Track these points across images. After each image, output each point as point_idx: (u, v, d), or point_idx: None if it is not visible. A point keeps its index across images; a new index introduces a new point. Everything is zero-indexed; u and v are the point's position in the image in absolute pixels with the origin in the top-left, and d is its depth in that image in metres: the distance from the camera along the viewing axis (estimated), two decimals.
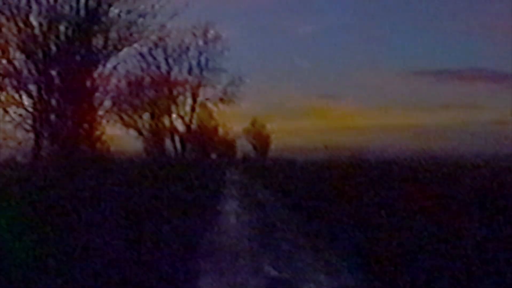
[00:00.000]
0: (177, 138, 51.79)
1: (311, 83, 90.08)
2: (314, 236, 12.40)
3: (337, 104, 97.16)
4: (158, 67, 48.36)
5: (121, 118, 42.75)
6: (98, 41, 22.80)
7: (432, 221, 11.72)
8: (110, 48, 23.38)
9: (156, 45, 47.68)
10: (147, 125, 47.46)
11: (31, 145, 20.06)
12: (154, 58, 47.72)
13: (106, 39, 23.05)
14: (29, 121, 20.42)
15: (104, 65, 23.53)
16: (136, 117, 45.95)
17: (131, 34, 24.02)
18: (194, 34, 48.89)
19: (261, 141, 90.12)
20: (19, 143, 19.72)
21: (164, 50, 48.24)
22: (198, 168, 41.31)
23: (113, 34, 23.01)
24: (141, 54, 46.21)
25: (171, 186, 21.43)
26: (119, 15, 23.13)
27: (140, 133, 47.00)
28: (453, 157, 60.10)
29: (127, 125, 45.32)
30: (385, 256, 9.30)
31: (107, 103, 26.32)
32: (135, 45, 27.23)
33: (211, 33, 49.36)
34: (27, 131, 20.15)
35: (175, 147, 51.77)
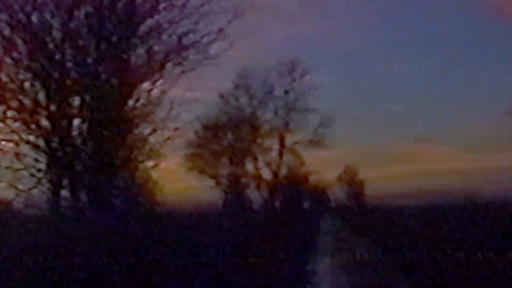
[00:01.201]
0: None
1: (404, 127, 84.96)
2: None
3: (432, 147, 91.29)
4: (241, 109, 45.51)
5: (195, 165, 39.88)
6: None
7: None
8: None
9: (237, 86, 45.07)
10: (226, 173, 43.81)
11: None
12: (236, 99, 44.89)
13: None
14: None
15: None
16: (213, 163, 42.57)
17: None
18: (280, 72, 46.04)
19: (355, 188, 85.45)
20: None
21: (247, 90, 45.54)
22: (289, 218, 38.04)
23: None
24: (221, 95, 43.45)
25: (259, 237, 19.85)
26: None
27: (218, 182, 43.44)
28: None
29: (202, 173, 42.32)
30: None
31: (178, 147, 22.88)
32: (215, 84, 22.71)
33: (298, 71, 46.32)
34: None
35: (261, 196, 47.82)
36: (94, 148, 15.75)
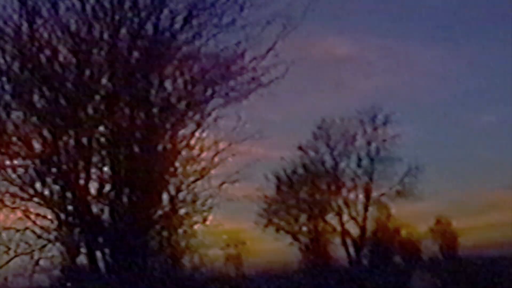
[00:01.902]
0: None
1: (495, 175, 79.88)
2: None
3: None
4: (322, 161, 43.58)
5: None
6: None
7: None
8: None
9: (316, 137, 43.26)
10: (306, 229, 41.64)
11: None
12: (316, 151, 42.99)
13: None
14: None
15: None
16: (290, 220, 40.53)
17: None
18: (361, 121, 44.03)
19: (447, 239, 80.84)
20: None
21: (327, 141, 43.57)
22: (379, 274, 35.61)
23: None
24: (300, 148, 41.81)
25: None
26: None
27: (296, 239, 41.24)
28: None
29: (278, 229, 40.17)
30: None
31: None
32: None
33: (380, 119, 44.10)
34: None
35: (348, 252, 45.14)
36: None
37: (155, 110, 15.38)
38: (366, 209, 44.93)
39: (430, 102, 51.16)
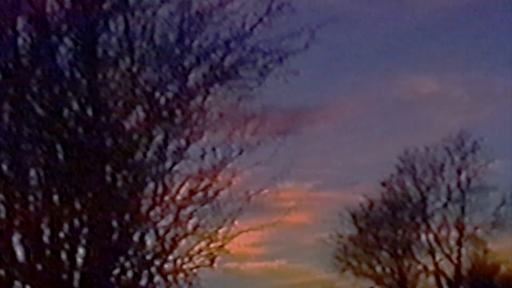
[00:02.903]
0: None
1: None
2: None
3: None
4: (408, 196, 40.20)
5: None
6: None
7: None
8: None
9: (400, 170, 40.02)
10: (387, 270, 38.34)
11: None
12: (401, 187, 39.72)
13: None
14: None
15: None
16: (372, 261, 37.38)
17: None
18: (447, 148, 40.20)
19: None
20: None
21: (413, 174, 40.20)
22: None
23: None
24: (383, 184, 38.77)
25: None
26: None
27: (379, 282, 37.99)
28: None
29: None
30: None
31: None
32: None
33: (468, 145, 40.29)
34: None
35: None
36: None
37: None
38: (459, 244, 40.96)
39: None
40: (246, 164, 15.25)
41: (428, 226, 40.67)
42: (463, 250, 41.17)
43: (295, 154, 15.74)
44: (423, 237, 40.70)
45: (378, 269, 38.83)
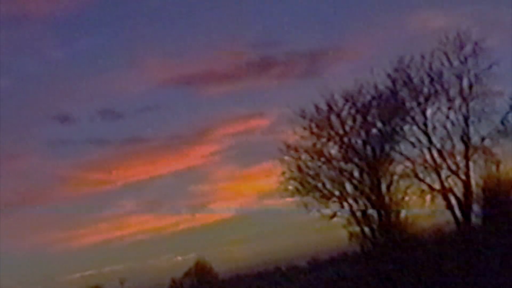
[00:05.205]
0: None
1: None
2: None
3: None
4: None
5: None
6: None
7: None
8: None
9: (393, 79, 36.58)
10: None
11: None
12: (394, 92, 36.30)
13: None
14: None
15: None
16: None
17: None
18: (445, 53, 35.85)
19: None
20: None
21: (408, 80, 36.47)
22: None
23: None
24: None
25: None
26: None
27: None
28: None
29: None
30: None
31: None
32: None
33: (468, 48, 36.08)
34: None
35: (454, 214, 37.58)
36: None
37: None
38: (466, 158, 37.25)
39: None
40: None
41: (430, 141, 37.20)
42: (471, 164, 37.42)
43: None
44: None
45: None
